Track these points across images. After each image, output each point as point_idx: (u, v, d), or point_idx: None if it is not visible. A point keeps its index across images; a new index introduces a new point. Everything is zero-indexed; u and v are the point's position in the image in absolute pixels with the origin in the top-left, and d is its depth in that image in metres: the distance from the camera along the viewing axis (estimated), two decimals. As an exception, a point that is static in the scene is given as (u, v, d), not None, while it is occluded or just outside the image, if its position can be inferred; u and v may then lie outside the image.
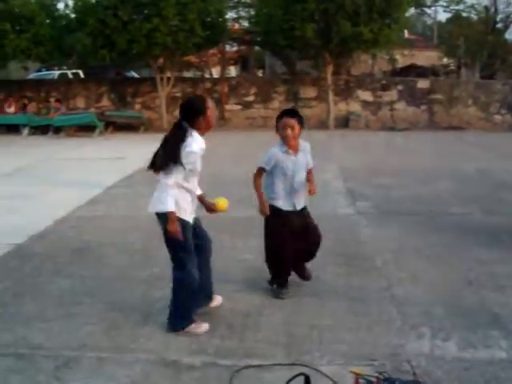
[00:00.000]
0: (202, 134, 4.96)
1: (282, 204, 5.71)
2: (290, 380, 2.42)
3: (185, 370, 4.36)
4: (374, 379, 2.25)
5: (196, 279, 4.98)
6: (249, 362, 4.42)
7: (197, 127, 4.91)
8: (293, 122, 5.53)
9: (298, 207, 5.81)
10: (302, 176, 5.75)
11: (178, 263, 5.00)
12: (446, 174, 12.28)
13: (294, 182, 5.70)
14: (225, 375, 4.23)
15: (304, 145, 5.75)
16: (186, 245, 4.96)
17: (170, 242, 4.95)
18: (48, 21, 21.54)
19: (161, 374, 4.32)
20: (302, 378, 2.44)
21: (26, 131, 21.80)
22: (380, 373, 2.35)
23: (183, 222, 4.92)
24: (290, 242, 5.69)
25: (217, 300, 5.48)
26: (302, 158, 5.71)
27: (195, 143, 4.83)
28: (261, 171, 5.68)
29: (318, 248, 5.95)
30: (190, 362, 4.47)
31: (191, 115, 4.91)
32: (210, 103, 5.01)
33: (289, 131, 5.52)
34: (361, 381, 2.30)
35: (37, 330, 5.08)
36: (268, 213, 5.66)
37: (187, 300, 5.03)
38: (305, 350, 4.63)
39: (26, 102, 22.73)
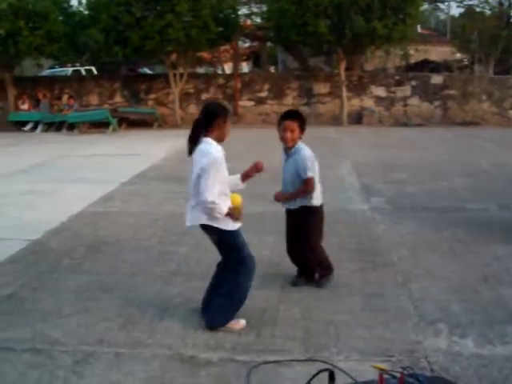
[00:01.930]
0: (218, 142, 4.89)
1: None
2: (315, 375, 2.42)
3: (202, 365, 4.37)
4: (398, 374, 2.24)
5: (251, 277, 5.05)
6: (266, 357, 4.42)
7: (212, 134, 4.84)
8: (293, 125, 5.55)
9: (286, 206, 5.87)
10: (290, 177, 5.70)
11: (235, 262, 4.98)
12: (461, 169, 12.23)
13: (285, 181, 5.77)
14: (242, 371, 4.23)
15: (296, 150, 5.64)
16: (241, 245, 4.99)
17: (223, 245, 4.99)
18: (61, 18, 21.56)
19: (178, 369, 4.33)
20: (324, 374, 2.43)
21: (39, 128, 21.89)
22: (404, 368, 2.34)
23: (234, 233, 4.94)
24: (289, 240, 5.94)
25: (239, 324, 5.42)
26: (291, 161, 5.67)
27: (211, 148, 4.78)
28: None
29: (305, 258, 5.90)
30: (207, 357, 4.48)
31: (212, 118, 4.84)
32: (228, 119, 4.93)
33: (288, 134, 5.56)
34: (385, 376, 2.29)
35: (54, 326, 5.10)
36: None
37: (240, 300, 5.04)
38: (322, 346, 4.63)
39: (40, 96, 22.76)
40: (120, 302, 5.60)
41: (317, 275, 5.92)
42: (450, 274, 6.20)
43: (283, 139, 5.61)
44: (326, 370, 2.35)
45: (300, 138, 5.65)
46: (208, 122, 4.82)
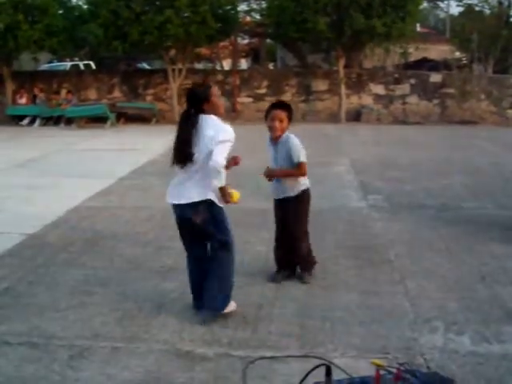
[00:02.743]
0: None
1: (271, 191, 5.95)
2: (312, 370, 2.42)
3: (198, 360, 4.37)
4: (394, 370, 2.25)
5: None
6: (262, 353, 4.43)
7: (208, 112, 4.93)
8: (282, 114, 5.64)
9: (278, 196, 5.92)
10: (284, 163, 5.75)
11: (225, 241, 5.06)
12: (459, 168, 12.24)
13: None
14: (238, 366, 4.23)
15: (285, 139, 5.71)
16: (228, 224, 5.09)
17: (213, 226, 5.01)
18: (61, 12, 21.54)
19: (174, 364, 4.33)
20: (319, 371, 2.44)
21: (37, 122, 21.86)
22: (401, 364, 2.34)
23: (224, 210, 5.05)
24: (278, 230, 6.02)
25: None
26: (281, 149, 5.72)
27: (224, 124, 4.88)
28: None
29: (296, 249, 5.92)
30: (203, 352, 4.48)
31: (198, 102, 4.94)
32: (216, 89, 5.03)
33: (277, 123, 5.63)
34: (382, 372, 2.29)
35: (50, 320, 5.10)
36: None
37: (232, 278, 5.16)
38: (318, 342, 4.63)
39: (36, 91, 22.74)
40: (116, 297, 5.60)
41: (298, 268, 6.00)
42: (446, 272, 6.21)
43: (272, 128, 5.68)
44: (322, 364, 2.34)
45: (287, 127, 5.72)
46: (204, 101, 4.91)
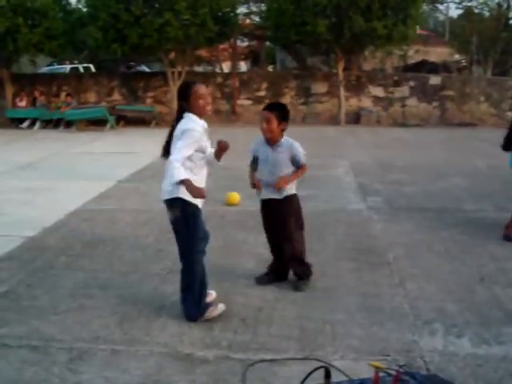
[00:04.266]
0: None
1: (262, 193, 5.83)
2: (311, 373, 2.42)
3: (198, 363, 4.37)
4: (393, 372, 2.25)
5: (203, 266, 5.14)
6: (262, 356, 4.43)
7: (189, 110, 4.96)
8: (269, 115, 5.60)
9: (265, 197, 5.86)
10: (277, 170, 5.70)
11: (190, 252, 5.06)
12: (458, 170, 12.24)
13: (268, 174, 5.73)
14: (238, 369, 4.24)
15: (287, 144, 5.70)
16: (198, 233, 5.05)
17: (183, 232, 5.03)
18: (60, 15, 21.54)
19: (174, 367, 4.33)
20: (317, 372, 2.44)
21: (36, 125, 21.86)
22: (400, 366, 2.34)
23: (195, 209, 4.99)
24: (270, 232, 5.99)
25: (211, 296, 5.46)
26: (279, 154, 5.69)
27: (192, 122, 4.89)
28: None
29: (289, 251, 5.87)
30: (203, 355, 4.48)
31: (180, 100, 5.03)
32: (199, 89, 4.99)
33: (264, 124, 5.62)
34: (381, 374, 2.30)
35: (50, 323, 5.11)
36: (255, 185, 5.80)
37: (202, 287, 5.13)
38: (318, 345, 4.64)
39: (36, 94, 22.75)
40: (116, 300, 5.60)
41: (294, 276, 5.96)
42: (445, 274, 6.21)
43: (261, 130, 5.69)
44: (321, 367, 2.35)
45: (282, 130, 5.67)
46: (184, 100, 4.97)
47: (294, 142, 5.73)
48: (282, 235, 5.81)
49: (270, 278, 5.97)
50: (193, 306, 5.10)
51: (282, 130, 5.68)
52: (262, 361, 4.30)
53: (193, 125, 4.86)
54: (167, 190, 4.93)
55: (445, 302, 5.46)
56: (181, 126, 4.88)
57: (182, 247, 5.10)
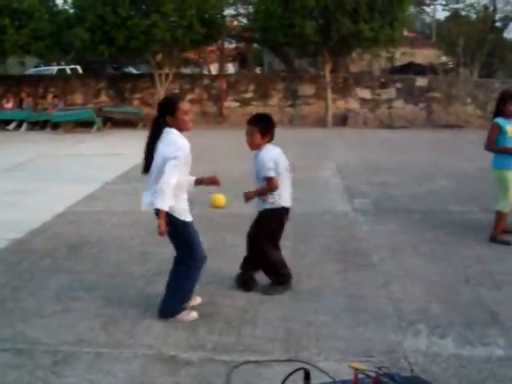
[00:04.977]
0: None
1: None
2: (290, 374, 2.43)
3: (182, 365, 4.37)
4: (373, 374, 2.26)
5: (199, 271, 5.22)
6: (247, 357, 4.44)
7: (172, 126, 4.97)
8: (250, 129, 5.63)
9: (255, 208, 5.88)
10: (256, 181, 5.72)
11: (185, 256, 5.13)
12: (445, 171, 12.29)
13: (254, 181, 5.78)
14: (223, 371, 4.24)
15: (259, 152, 5.65)
16: (193, 240, 5.11)
17: (176, 237, 5.10)
18: (47, 16, 21.46)
19: (158, 369, 4.33)
20: (301, 373, 2.45)
21: (23, 127, 21.76)
22: (379, 368, 2.35)
23: (186, 223, 5.07)
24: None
25: (196, 300, 5.48)
26: (255, 163, 5.69)
27: (179, 141, 4.91)
28: None
29: (258, 260, 5.88)
30: (187, 357, 4.48)
31: (163, 114, 5.00)
32: (184, 105, 5.01)
33: (246, 137, 5.68)
34: (360, 376, 2.31)
35: (35, 325, 5.09)
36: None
37: (189, 291, 5.20)
38: (302, 346, 4.65)
39: (23, 96, 22.67)
40: (101, 302, 5.59)
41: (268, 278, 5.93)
42: (431, 276, 6.24)
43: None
44: (301, 368, 2.36)
45: (265, 141, 5.63)
46: (169, 114, 4.95)
47: (262, 151, 5.62)
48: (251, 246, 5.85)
49: (253, 279, 5.93)
50: (172, 305, 5.15)
51: (268, 141, 5.66)
52: (247, 362, 4.31)
53: (178, 144, 4.87)
54: (149, 202, 5.02)
55: (429, 303, 5.49)
56: (169, 146, 4.86)
57: (181, 253, 5.18)
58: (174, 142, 4.88)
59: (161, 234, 4.90)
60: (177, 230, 5.02)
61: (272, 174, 5.53)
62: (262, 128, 5.60)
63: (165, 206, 4.82)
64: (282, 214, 5.76)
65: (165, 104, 5.07)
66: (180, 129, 4.98)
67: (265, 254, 5.77)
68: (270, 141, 5.67)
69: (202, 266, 5.22)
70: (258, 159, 5.60)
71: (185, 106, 5.01)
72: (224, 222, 8.33)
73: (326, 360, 4.38)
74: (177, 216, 4.96)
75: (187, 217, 5.07)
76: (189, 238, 5.09)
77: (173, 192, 4.82)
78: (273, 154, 5.61)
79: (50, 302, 5.62)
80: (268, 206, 5.67)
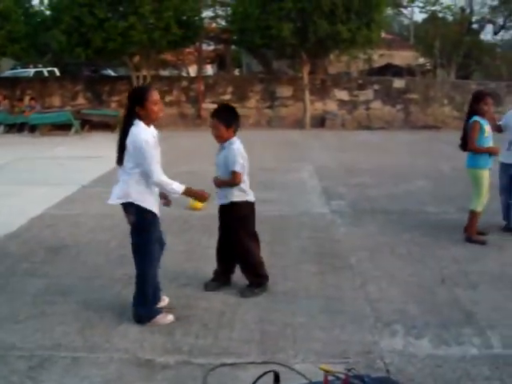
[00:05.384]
0: (147, 124, 4.99)
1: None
2: (260, 377, 2.44)
3: (159, 369, 4.37)
4: (342, 376, 2.27)
5: (156, 271, 5.23)
6: (223, 360, 4.44)
7: (141, 118, 4.94)
8: (214, 123, 5.64)
9: (218, 202, 5.86)
10: (221, 173, 5.73)
11: (143, 256, 5.10)
12: (422, 172, 12.36)
13: (217, 173, 5.79)
14: (199, 374, 4.24)
15: (228, 145, 5.66)
16: (153, 237, 5.10)
17: (135, 236, 5.10)
18: (23, 18, 21.30)
19: (135, 373, 4.32)
20: (272, 376, 2.45)
21: (0, 129, 21.60)
22: (349, 369, 2.37)
23: (153, 216, 5.06)
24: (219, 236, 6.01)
25: (164, 301, 5.49)
26: (221, 156, 5.70)
27: (143, 133, 4.89)
28: None
29: (240, 261, 5.91)
30: (164, 361, 4.48)
31: (133, 105, 4.96)
32: (153, 95, 4.97)
33: (211, 131, 5.68)
34: (330, 377, 2.32)
35: (10, 331, 5.05)
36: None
37: (151, 292, 5.18)
38: (279, 348, 4.65)
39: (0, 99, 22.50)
40: (78, 306, 5.56)
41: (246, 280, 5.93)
42: (407, 277, 6.28)
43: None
44: (271, 371, 2.37)
45: (231, 133, 5.65)
46: (138, 104, 4.92)
47: (233, 144, 5.64)
48: (231, 243, 5.83)
49: (218, 283, 5.95)
50: (143, 308, 5.14)
51: (234, 132, 5.67)
52: (223, 365, 4.32)
53: (145, 137, 4.85)
54: (118, 195, 5.07)
55: (406, 304, 5.52)
56: (133, 137, 4.86)
57: (135, 251, 5.13)
58: (134, 136, 4.86)
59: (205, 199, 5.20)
60: (139, 220, 5.03)
61: (240, 168, 5.58)
62: (226, 120, 5.61)
63: (180, 188, 4.96)
64: (252, 204, 5.82)
65: (134, 94, 5.04)
66: (150, 118, 4.96)
67: (247, 252, 5.78)
68: (235, 132, 5.68)
69: (158, 259, 5.26)
70: (229, 151, 5.60)
71: (155, 94, 4.97)
72: (199, 223, 8.32)
73: (302, 362, 4.39)
74: (143, 206, 4.98)
75: (156, 209, 5.09)
76: (149, 226, 5.07)
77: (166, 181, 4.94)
78: (242, 149, 5.67)
79: (26, 306, 5.57)
80: (236, 199, 5.70)
